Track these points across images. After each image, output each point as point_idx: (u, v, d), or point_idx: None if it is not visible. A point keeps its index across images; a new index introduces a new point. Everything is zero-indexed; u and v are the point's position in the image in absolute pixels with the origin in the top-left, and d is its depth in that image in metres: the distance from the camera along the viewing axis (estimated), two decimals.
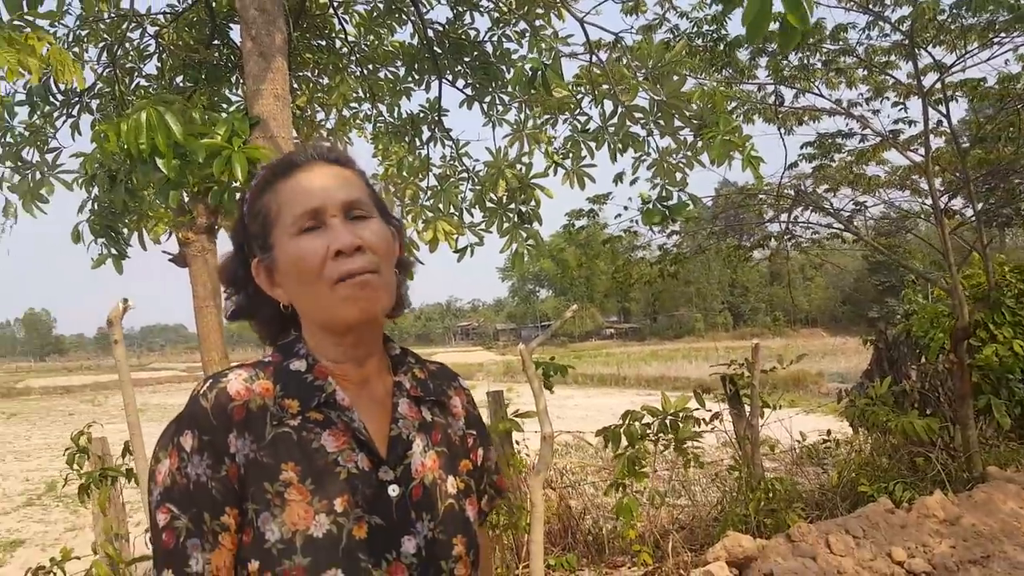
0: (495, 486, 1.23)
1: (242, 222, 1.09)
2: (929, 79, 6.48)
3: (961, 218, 7.61)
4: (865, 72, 6.87)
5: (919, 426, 5.15)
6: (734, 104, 7.14)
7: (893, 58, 6.68)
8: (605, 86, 5.00)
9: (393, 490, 1.00)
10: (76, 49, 5.39)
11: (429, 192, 5.99)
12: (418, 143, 6.29)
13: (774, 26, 2.39)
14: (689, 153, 4.94)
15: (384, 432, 1.05)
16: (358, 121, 6.56)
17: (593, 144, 5.35)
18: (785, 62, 6.74)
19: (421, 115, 6.22)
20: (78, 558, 3.42)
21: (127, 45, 5.50)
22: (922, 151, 6.54)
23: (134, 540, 4.12)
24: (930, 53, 6.36)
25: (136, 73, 5.65)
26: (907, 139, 7.30)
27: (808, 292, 68.91)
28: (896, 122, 7.15)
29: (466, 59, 5.88)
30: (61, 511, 10.00)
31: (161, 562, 0.94)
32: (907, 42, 6.17)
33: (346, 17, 6.05)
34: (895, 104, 7.04)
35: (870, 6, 6.17)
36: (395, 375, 1.12)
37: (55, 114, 5.20)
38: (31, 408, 27.97)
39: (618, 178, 5.36)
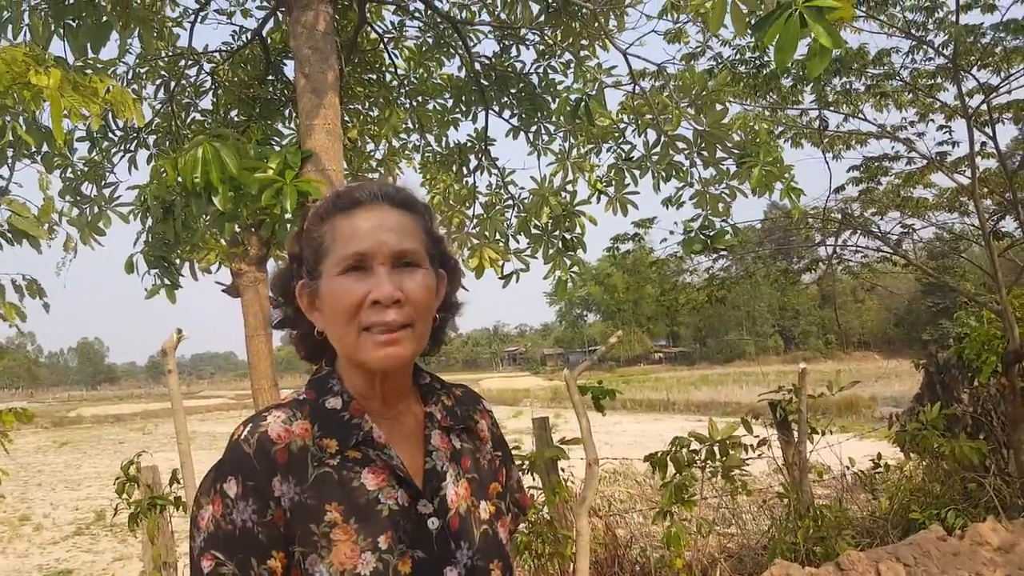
0: (519, 504, 1.27)
1: (299, 242, 1.12)
2: (975, 101, 6.41)
3: (1011, 239, 7.44)
4: (910, 95, 6.82)
5: (971, 451, 5.03)
6: (780, 129, 7.15)
7: (938, 80, 6.62)
8: (648, 116, 5.07)
9: (433, 523, 1.03)
10: (135, 86, 5.65)
11: (475, 219, 6.12)
12: (465, 172, 6.44)
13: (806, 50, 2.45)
14: (732, 183, 4.97)
15: (419, 465, 1.07)
16: (407, 152, 6.74)
17: (637, 172, 5.41)
18: (829, 87, 6.73)
19: (468, 145, 6.37)
20: None
21: (184, 82, 5.72)
22: (969, 173, 6.45)
23: (182, 568, 4.15)
24: (974, 76, 6.30)
25: (192, 108, 5.87)
26: (953, 161, 7.20)
27: (860, 315, 67.29)
28: (941, 144, 7.08)
29: (512, 90, 6.02)
30: (110, 540, 10.13)
31: None
32: (951, 65, 6.12)
33: (396, 51, 6.26)
34: (941, 127, 6.98)
35: (912, 31, 6.14)
36: (425, 405, 1.14)
37: (113, 150, 5.41)
38: (82, 436, 28.42)
39: (667, 202, 5.40)
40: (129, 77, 5.64)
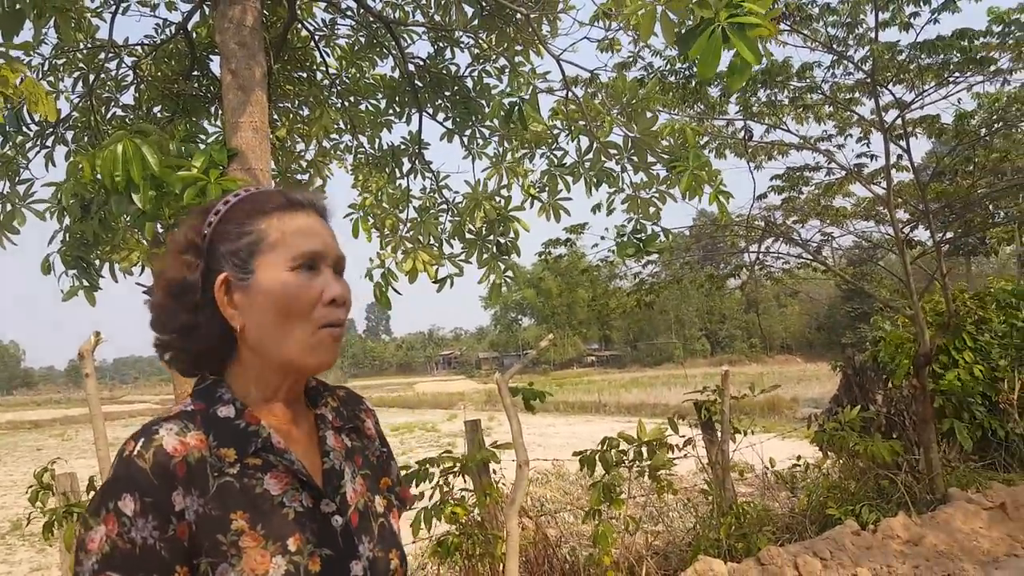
0: (400, 498, 1.29)
1: (211, 235, 1.06)
2: (890, 115, 6.73)
3: (923, 248, 7.84)
4: (831, 108, 7.11)
5: (884, 449, 5.28)
6: (706, 139, 7.35)
7: (857, 95, 6.92)
8: (581, 122, 5.13)
9: (336, 521, 1.05)
10: (51, 79, 5.41)
11: (409, 223, 6.08)
12: (398, 175, 6.38)
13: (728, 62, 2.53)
14: (662, 188, 5.08)
15: (317, 466, 1.09)
16: (338, 152, 6.63)
17: (570, 178, 5.47)
18: (754, 99, 6.95)
19: (402, 147, 6.31)
20: None
21: (104, 75, 5.51)
22: (885, 184, 6.76)
23: None
24: (891, 91, 6.61)
25: (112, 103, 5.65)
26: (871, 173, 7.54)
27: (783, 319, 69.74)
28: (860, 156, 7.40)
29: (446, 93, 6.00)
30: (27, 551, 9.75)
31: None
32: (869, 80, 6.41)
33: (327, 50, 6.15)
34: (859, 139, 7.30)
35: (834, 46, 6.40)
36: (315, 408, 1.16)
37: (28, 144, 5.17)
38: None
39: (595, 208, 5.48)
40: (45, 69, 5.40)
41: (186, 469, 0.96)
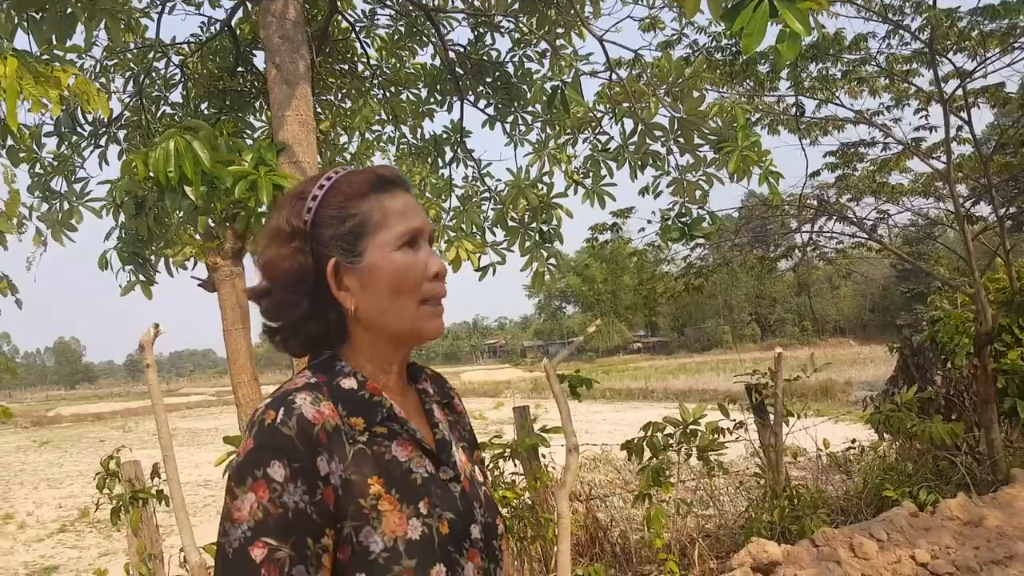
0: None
1: (313, 221, 1.08)
2: (950, 86, 6.47)
3: (985, 223, 7.54)
4: (886, 81, 6.87)
5: (943, 431, 5.13)
6: (756, 116, 7.18)
7: (914, 66, 6.67)
8: (625, 104, 5.07)
9: (455, 487, 1.10)
10: (103, 79, 5.55)
11: (451, 212, 6.10)
12: (440, 164, 6.40)
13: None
14: (709, 170, 4.99)
15: (429, 436, 1.14)
16: (381, 143, 6.69)
17: (613, 163, 5.42)
18: (805, 73, 6.77)
19: (444, 136, 6.32)
20: None
21: (153, 75, 5.63)
22: (944, 158, 6.52)
23: (168, 559, 4.16)
24: (951, 60, 6.35)
25: (162, 102, 5.78)
26: (929, 147, 7.27)
27: (836, 301, 68.09)
28: (917, 129, 7.14)
29: (487, 80, 5.97)
30: (95, 536, 10.14)
31: None
32: (927, 50, 6.17)
33: (368, 41, 6.18)
34: (917, 112, 7.03)
35: (889, 15, 6.18)
36: (416, 384, 1.22)
37: (83, 144, 5.32)
38: (62, 436, 28.18)
39: (643, 191, 5.41)
40: (97, 70, 5.55)
41: (326, 436, 0.99)
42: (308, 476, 0.95)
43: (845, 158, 7.57)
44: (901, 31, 6.29)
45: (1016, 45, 6.24)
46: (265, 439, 0.96)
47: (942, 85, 6.33)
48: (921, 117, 7.06)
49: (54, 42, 3.88)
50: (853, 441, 5.89)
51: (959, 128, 6.81)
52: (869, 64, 6.66)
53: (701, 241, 8.36)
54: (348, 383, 1.07)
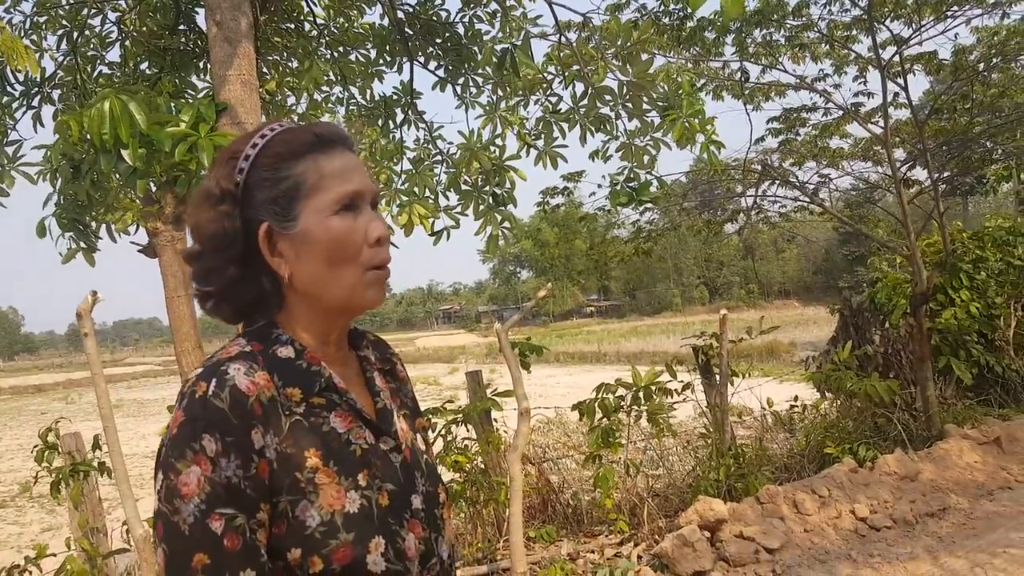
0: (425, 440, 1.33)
1: (245, 182, 1.03)
2: (887, 53, 6.62)
3: (920, 187, 7.80)
4: (827, 47, 6.99)
5: (881, 388, 5.34)
6: (702, 82, 7.24)
7: (854, 32, 6.80)
8: (575, 67, 5.05)
9: (395, 457, 1.08)
10: (35, 37, 5.31)
11: (403, 176, 6.02)
12: (391, 126, 6.30)
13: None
14: (656, 135, 5.03)
15: (370, 405, 1.11)
16: (330, 105, 6.53)
17: (565, 125, 5.41)
18: (750, 39, 6.83)
19: (394, 98, 6.21)
20: (53, 555, 3.37)
21: (88, 32, 5.40)
22: (882, 123, 6.69)
23: (112, 533, 4.07)
24: (888, 27, 6.49)
25: (98, 61, 5.54)
26: (868, 112, 7.45)
27: (781, 264, 69.80)
28: (857, 95, 7.30)
29: (437, 41, 5.88)
30: (36, 511, 9.94)
31: (237, 566, 0.90)
32: (866, 17, 6.29)
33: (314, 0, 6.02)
34: (856, 78, 7.18)
35: None
36: (358, 351, 1.18)
37: (14, 105, 5.06)
38: (1, 409, 27.49)
39: (594, 155, 5.42)
40: (27, 27, 5.29)
41: (261, 408, 0.96)
42: (242, 450, 0.92)
43: (788, 123, 7.71)
44: None
45: (949, 13, 6.40)
46: (196, 411, 0.93)
47: (880, 52, 6.47)
48: (860, 83, 7.23)
49: None
50: (796, 399, 6.10)
51: (896, 94, 7.00)
52: (811, 30, 6.76)
53: (650, 205, 8.45)
54: (285, 352, 1.03)
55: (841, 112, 7.34)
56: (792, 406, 6.03)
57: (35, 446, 3.89)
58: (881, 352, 6.62)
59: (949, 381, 6.72)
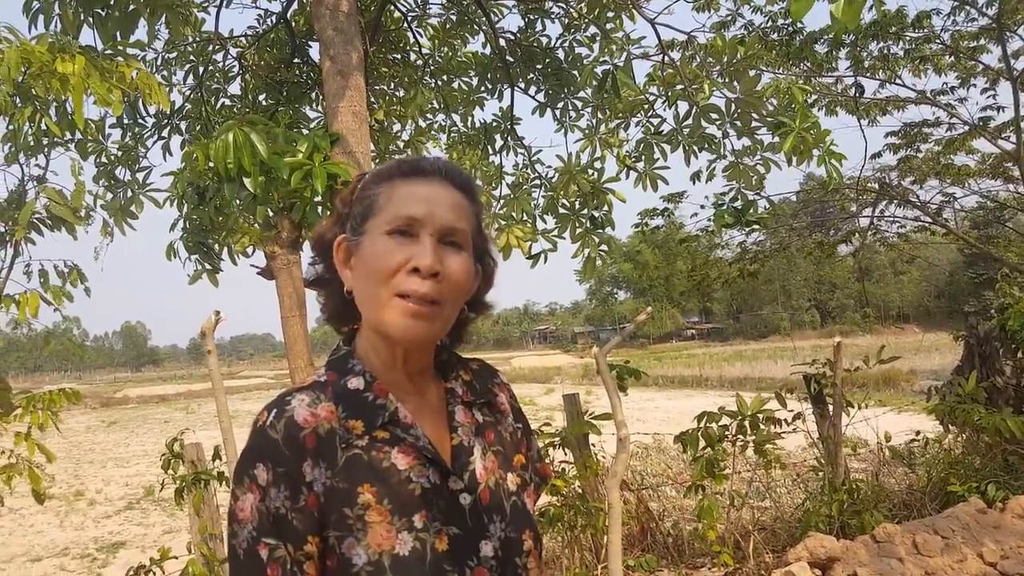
0: (540, 474, 1.26)
1: (349, 199, 1.10)
2: (1021, 63, 6.20)
3: None
4: (951, 59, 6.61)
5: (1013, 423, 4.93)
6: (814, 97, 6.99)
7: (981, 42, 6.41)
8: (679, 86, 4.98)
9: (465, 499, 1.02)
10: (165, 73, 5.71)
11: (502, 200, 6.10)
12: (491, 152, 6.41)
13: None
14: (766, 154, 4.88)
15: (446, 442, 1.06)
16: (433, 132, 6.72)
17: (667, 146, 5.34)
18: (865, 52, 6.55)
19: (494, 124, 6.34)
20: (175, 558, 3.53)
21: (212, 67, 5.77)
22: (1014, 138, 6.25)
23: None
24: (1021, 36, 6.07)
25: (222, 94, 5.91)
26: (997, 127, 6.98)
27: (899, 287, 66.09)
28: (985, 109, 6.86)
29: (538, 66, 5.95)
30: (159, 514, 10.56)
31: None
32: (995, 25, 5.91)
33: (420, 30, 6.22)
34: (984, 91, 6.75)
35: None
36: (445, 381, 1.14)
37: (146, 135, 5.48)
38: (129, 416, 29.44)
39: (695, 176, 5.32)
40: (158, 64, 5.71)
41: (316, 440, 0.96)
42: (292, 481, 0.93)
43: (908, 139, 7.32)
44: (967, 7, 6.04)
45: None
46: (255, 441, 0.96)
47: (1011, 62, 6.06)
48: (988, 96, 6.78)
49: (118, 38, 4.01)
50: (917, 433, 5.71)
51: None
52: (933, 42, 6.41)
53: (756, 226, 8.19)
54: (355, 383, 1.03)
55: (967, 127, 6.91)
56: (912, 439, 5.66)
57: (162, 454, 4.12)
58: (1013, 384, 6.11)
59: None
